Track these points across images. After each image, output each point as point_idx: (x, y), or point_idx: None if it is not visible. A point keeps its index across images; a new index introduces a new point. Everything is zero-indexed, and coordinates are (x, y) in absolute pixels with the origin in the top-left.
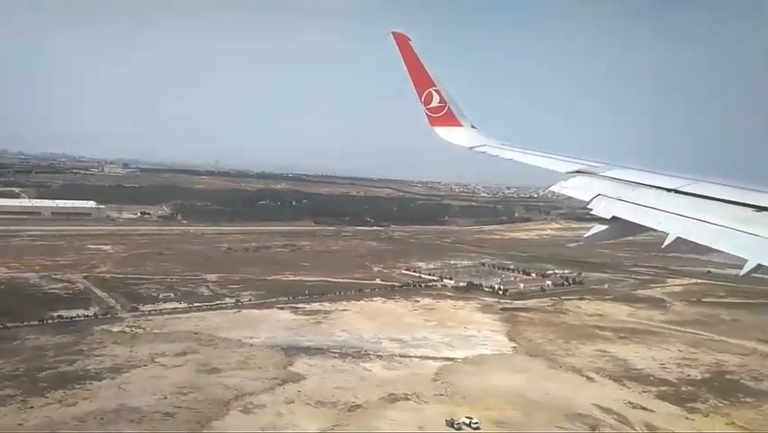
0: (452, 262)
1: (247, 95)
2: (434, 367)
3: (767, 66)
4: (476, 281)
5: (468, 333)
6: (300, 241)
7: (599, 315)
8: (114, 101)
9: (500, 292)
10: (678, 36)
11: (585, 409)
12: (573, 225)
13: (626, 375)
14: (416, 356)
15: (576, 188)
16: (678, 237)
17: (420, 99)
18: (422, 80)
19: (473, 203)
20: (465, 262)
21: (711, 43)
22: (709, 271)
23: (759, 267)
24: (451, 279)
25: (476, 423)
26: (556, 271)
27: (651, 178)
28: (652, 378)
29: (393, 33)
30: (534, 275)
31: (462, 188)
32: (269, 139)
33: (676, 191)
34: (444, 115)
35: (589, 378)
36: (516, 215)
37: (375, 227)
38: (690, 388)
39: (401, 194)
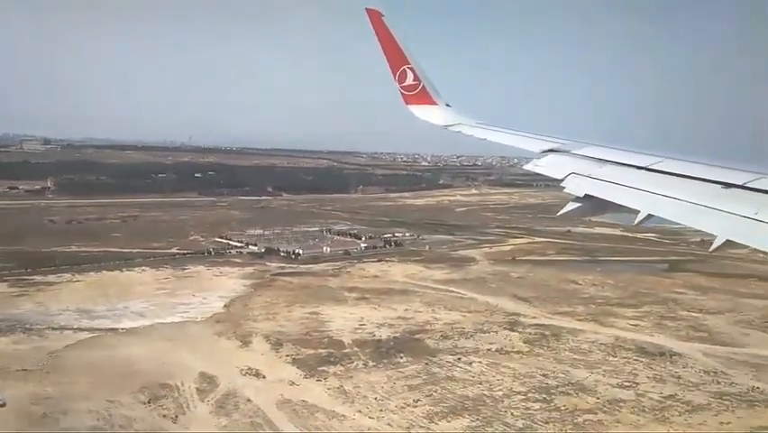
0: (300, 229)
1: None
2: (72, 340)
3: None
4: (279, 247)
5: (189, 300)
6: (153, 212)
7: (374, 276)
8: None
9: (293, 257)
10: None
11: (167, 379)
12: (491, 191)
13: (297, 339)
14: (78, 328)
15: (549, 167)
16: (648, 214)
17: (394, 77)
18: (396, 58)
19: (403, 171)
20: (312, 229)
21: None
22: (569, 231)
23: (728, 243)
24: (255, 245)
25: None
26: (396, 234)
27: (623, 156)
28: (326, 340)
29: (367, 10)
30: (363, 239)
31: (409, 158)
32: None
33: (647, 169)
34: (419, 94)
35: (246, 343)
36: (441, 182)
37: (264, 197)
38: (349, 350)
39: (334, 165)
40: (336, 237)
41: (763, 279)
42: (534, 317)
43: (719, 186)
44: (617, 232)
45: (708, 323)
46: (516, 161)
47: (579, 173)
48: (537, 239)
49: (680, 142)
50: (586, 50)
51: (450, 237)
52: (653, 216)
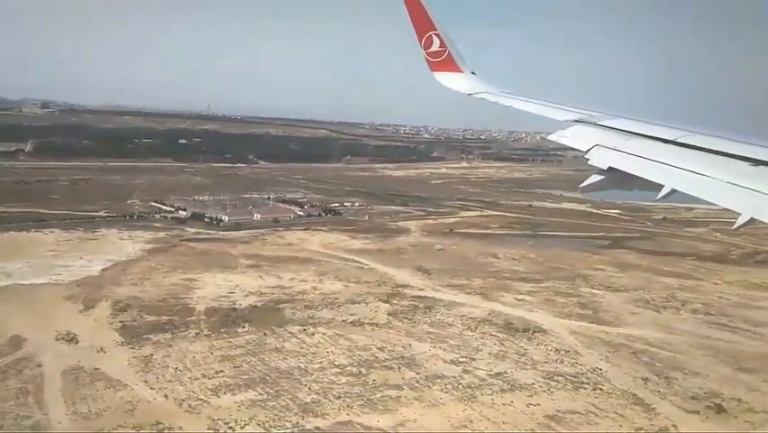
0: (249, 196)
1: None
2: None
3: None
4: (206, 213)
5: (71, 263)
6: (113, 176)
7: (287, 244)
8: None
9: (215, 223)
10: None
11: None
12: (482, 165)
13: (147, 306)
14: None
15: (574, 138)
16: (672, 189)
17: (420, 43)
18: (422, 23)
19: (400, 143)
20: (260, 196)
21: None
22: (530, 205)
23: (752, 221)
24: (185, 210)
25: None
26: (345, 204)
27: (650, 128)
28: (178, 307)
29: None
30: (306, 207)
31: (413, 131)
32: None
33: (674, 142)
34: (444, 61)
35: (89, 308)
36: (435, 154)
37: (239, 165)
38: (194, 318)
39: (332, 135)
40: (279, 205)
41: (702, 258)
42: (421, 290)
43: (747, 163)
44: (583, 207)
45: (603, 301)
46: (523, 135)
47: (603, 145)
48: (492, 212)
49: (716, 115)
50: (622, 21)
51: (401, 208)
52: (676, 191)
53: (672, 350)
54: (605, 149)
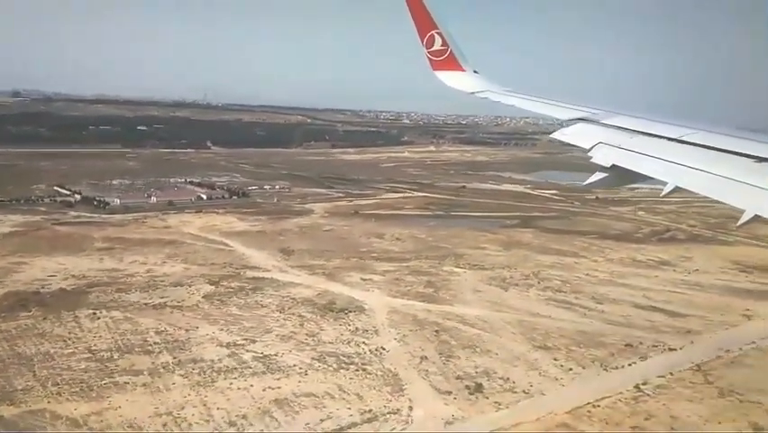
0: (169, 180)
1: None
2: None
3: None
4: (98, 196)
5: None
6: (44, 162)
7: (163, 227)
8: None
9: (101, 207)
10: None
11: None
12: (449, 149)
13: None
14: None
15: (576, 135)
16: (676, 186)
17: (422, 42)
18: (424, 23)
19: (372, 129)
20: (177, 180)
21: None
22: (464, 187)
23: (756, 218)
24: (80, 194)
25: None
26: (265, 187)
27: (653, 126)
28: None
29: None
30: (217, 190)
31: (394, 116)
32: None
33: (677, 141)
34: (446, 60)
35: None
36: (405, 138)
37: (188, 150)
38: None
39: (307, 121)
40: (188, 188)
41: (604, 236)
42: (267, 271)
43: (751, 160)
44: (521, 189)
45: (457, 279)
46: (508, 119)
47: (606, 143)
48: (418, 194)
49: (718, 113)
50: (626, 20)
51: (324, 191)
52: (680, 188)
53: (483, 328)
54: (608, 147)
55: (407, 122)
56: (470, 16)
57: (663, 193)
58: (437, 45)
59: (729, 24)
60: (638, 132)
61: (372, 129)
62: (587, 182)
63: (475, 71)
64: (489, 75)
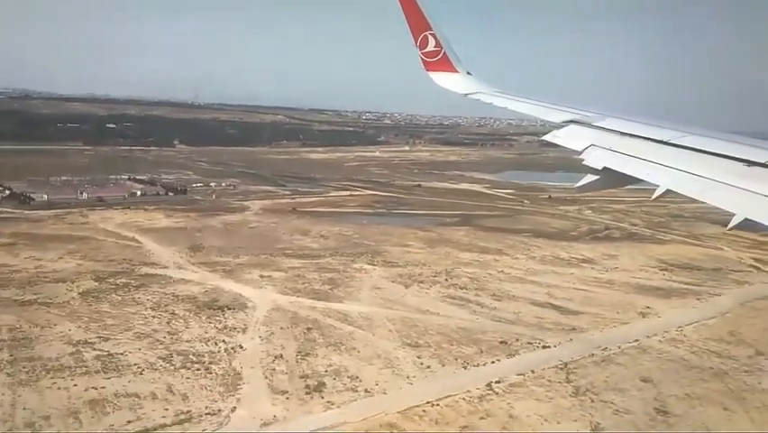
0: (113, 176)
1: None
2: None
3: None
4: (27, 192)
5: None
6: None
7: (81, 224)
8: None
9: (27, 202)
10: None
11: None
12: (422, 149)
13: None
14: None
15: (568, 138)
16: (667, 189)
17: (415, 43)
18: (418, 23)
19: (349, 128)
20: (119, 177)
21: None
22: (419, 186)
23: (746, 221)
24: (10, 189)
25: None
26: (211, 184)
27: (644, 129)
28: None
29: None
30: (158, 186)
31: (376, 116)
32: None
33: (668, 143)
34: (440, 61)
35: None
36: (381, 138)
37: (150, 148)
38: None
39: (285, 120)
40: (126, 184)
41: (538, 234)
42: (165, 268)
43: (742, 163)
44: (478, 188)
45: (361, 276)
46: (492, 120)
47: (598, 145)
48: (367, 192)
49: (710, 117)
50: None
51: (272, 188)
52: (671, 191)
53: (360, 326)
54: (599, 149)
55: (388, 122)
56: (465, 20)
57: (654, 196)
58: (431, 46)
59: (725, 25)
60: (629, 134)
61: (349, 129)
62: (578, 184)
63: (468, 73)
64: (482, 77)
